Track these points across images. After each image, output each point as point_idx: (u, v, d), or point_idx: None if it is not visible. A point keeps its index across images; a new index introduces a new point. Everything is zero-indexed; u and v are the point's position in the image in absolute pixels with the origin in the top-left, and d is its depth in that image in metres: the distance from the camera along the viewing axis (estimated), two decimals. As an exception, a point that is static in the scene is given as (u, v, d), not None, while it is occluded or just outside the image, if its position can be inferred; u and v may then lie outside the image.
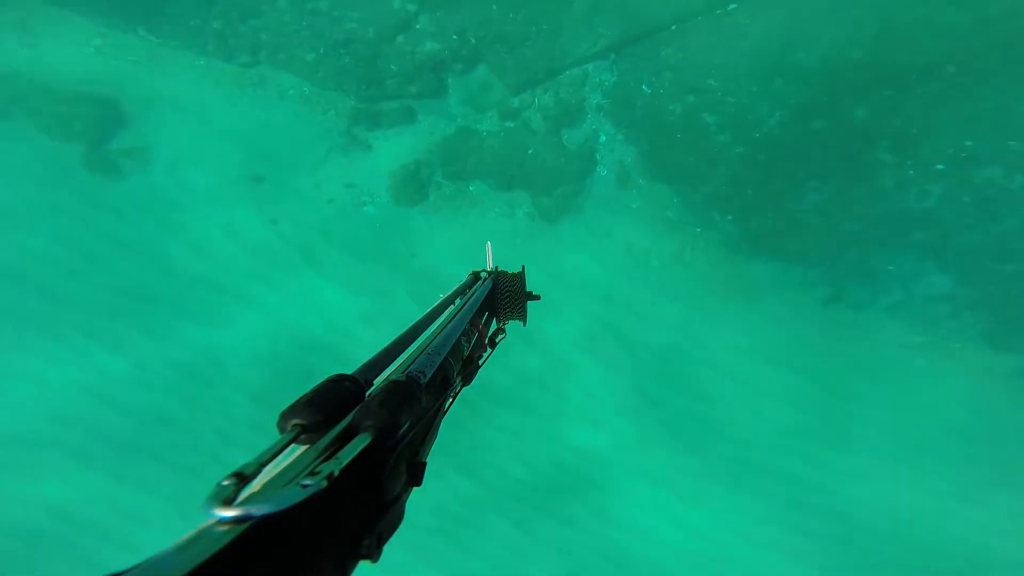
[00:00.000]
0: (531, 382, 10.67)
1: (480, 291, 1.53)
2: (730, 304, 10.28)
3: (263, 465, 0.56)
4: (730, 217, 10.41)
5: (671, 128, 10.72)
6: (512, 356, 10.12)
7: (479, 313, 1.44)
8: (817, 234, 9.93)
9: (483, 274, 1.77)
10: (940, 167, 9.65)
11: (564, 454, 10.65)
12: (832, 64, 10.23)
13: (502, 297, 1.72)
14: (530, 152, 10.63)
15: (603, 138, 11.10)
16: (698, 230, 10.73)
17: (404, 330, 1.06)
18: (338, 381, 0.75)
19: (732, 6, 10.69)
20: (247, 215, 9.19)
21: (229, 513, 0.47)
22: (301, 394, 0.71)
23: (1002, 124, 9.39)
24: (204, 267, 9.07)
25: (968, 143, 9.59)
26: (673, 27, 10.95)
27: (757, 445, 10.03)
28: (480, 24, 10.80)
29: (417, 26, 10.58)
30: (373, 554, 0.62)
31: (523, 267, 1.86)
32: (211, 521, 0.47)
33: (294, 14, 10.04)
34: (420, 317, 1.17)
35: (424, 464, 0.79)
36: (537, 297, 1.77)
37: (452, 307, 1.38)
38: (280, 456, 0.60)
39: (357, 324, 9.44)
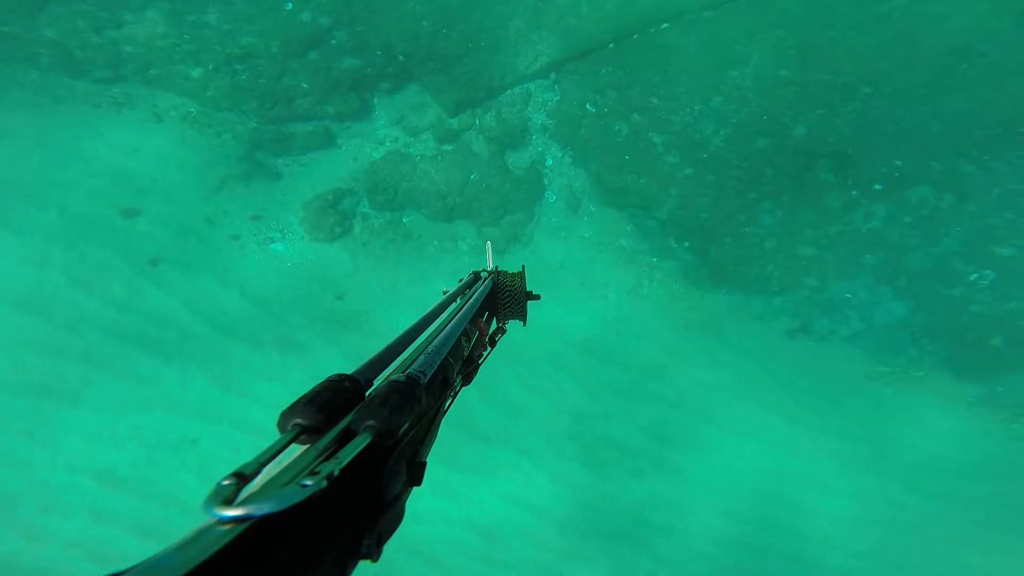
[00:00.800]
0: (478, 438, 9.34)
1: (480, 290, 1.51)
2: (694, 339, 9.66)
3: (263, 465, 0.55)
4: (687, 244, 9.93)
5: (618, 149, 10.19)
6: (463, 407, 8.78)
7: (479, 312, 1.43)
8: (775, 260, 9.66)
9: (483, 274, 1.73)
10: (878, 187, 9.83)
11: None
12: (765, 82, 10.42)
13: (502, 296, 1.71)
14: (473, 177, 9.58)
15: (550, 161, 10.33)
16: (654, 259, 10.13)
17: (404, 330, 1.03)
18: (338, 381, 0.74)
19: (664, 25, 10.63)
20: (112, 256, 7.13)
21: (229, 513, 0.46)
22: (301, 395, 0.70)
23: (920, 144, 9.82)
24: (40, 327, 6.77)
25: (898, 163, 9.91)
26: (611, 45, 10.65)
27: (737, 491, 9.33)
28: (408, 40, 9.75)
29: (333, 41, 9.32)
30: (373, 554, 0.62)
31: (523, 267, 1.87)
32: (211, 521, 0.47)
33: (171, 26, 8.37)
34: (420, 317, 1.15)
35: (424, 464, 0.78)
36: (537, 297, 1.80)
37: (452, 307, 1.33)
38: (280, 456, 0.59)
39: (257, 381, 7.54)
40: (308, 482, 0.52)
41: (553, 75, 10.57)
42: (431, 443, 0.86)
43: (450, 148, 9.79)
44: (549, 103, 10.50)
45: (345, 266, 8.32)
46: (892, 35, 10.50)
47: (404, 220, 9.14)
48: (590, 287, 9.97)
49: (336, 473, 0.55)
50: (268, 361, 7.24)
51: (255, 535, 0.46)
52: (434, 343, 0.98)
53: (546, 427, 9.31)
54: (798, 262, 9.60)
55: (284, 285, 7.83)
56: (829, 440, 9.21)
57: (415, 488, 0.77)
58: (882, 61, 10.59)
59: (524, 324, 1.83)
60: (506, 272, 1.80)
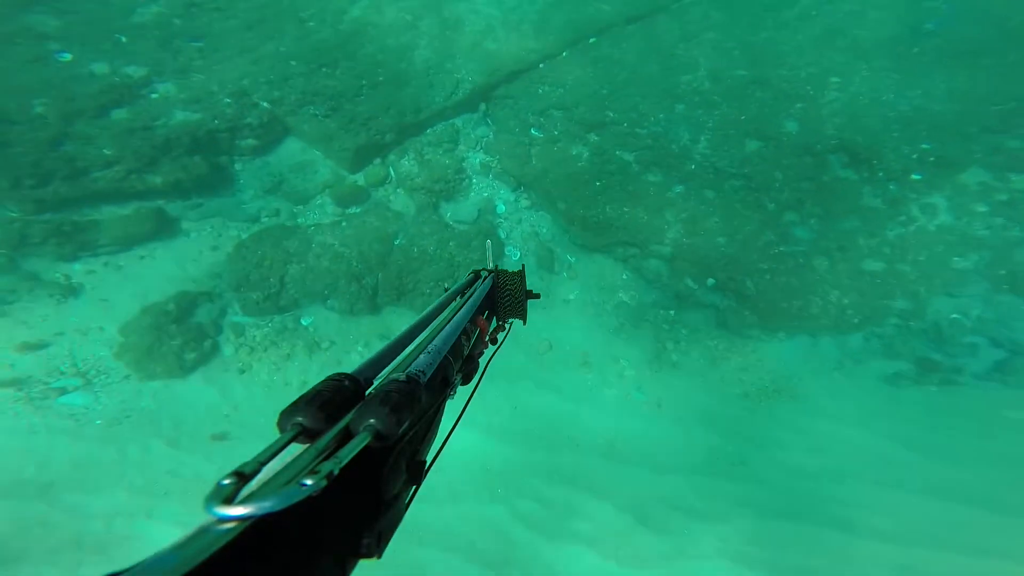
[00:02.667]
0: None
1: (480, 290, 1.56)
2: (764, 410, 7.12)
3: (263, 464, 0.56)
4: (711, 281, 7.79)
5: (584, 176, 8.26)
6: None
7: (479, 311, 1.49)
8: (837, 283, 7.65)
9: (483, 273, 1.79)
10: (917, 176, 8.46)
11: None
12: (724, 83, 9.92)
13: (502, 295, 1.78)
14: (399, 243, 7.08)
15: (502, 207, 8.16)
16: (671, 311, 7.87)
17: (404, 329, 1.06)
18: (338, 380, 0.76)
19: (592, 40, 9.70)
20: None
21: (229, 512, 0.47)
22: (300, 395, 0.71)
23: (937, 126, 8.98)
24: None
25: (924, 146, 8.75)
26: (541, 65, 9.30)
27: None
28: (271, 84, 7.63)
29: (154, 95, 6.96)
30: (373, 552, 0.65)
31: (523, 266, 1.96)
32: (211, 520, 0.48)
33: None
34: (420, 316, 1.18)
35: (424, 463, 0.83)
36: (537, 296, 1.88)
37: (452, 305, 1.36)
38: (280, 455, 0.60)
39: None
40: (308, 481, 0.52)
41: (482, 106, 8.80)
42: (431, 442, 0.89)
43: (357, 211, 7.36)
44: (485, 138, 8.59)
45: (213, 408, 5.25)
46: (822, 30, 10.24)
47: (303, 322, 6.33)
48: (597, 367, 7.40)
49: (336, 472, 0.56)
50: None
51: (255, 534, 0.47)
52: (434, 342, 0.99)
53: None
54: (868, 281, 7.63)
55: (79, 452, 4.59)
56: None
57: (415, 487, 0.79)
58: (831, 52, 10.54)
59: (524, 323, 1.88)
60: (506, 271, 1.84)
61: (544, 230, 8.21)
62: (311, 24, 8.64)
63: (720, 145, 8.93)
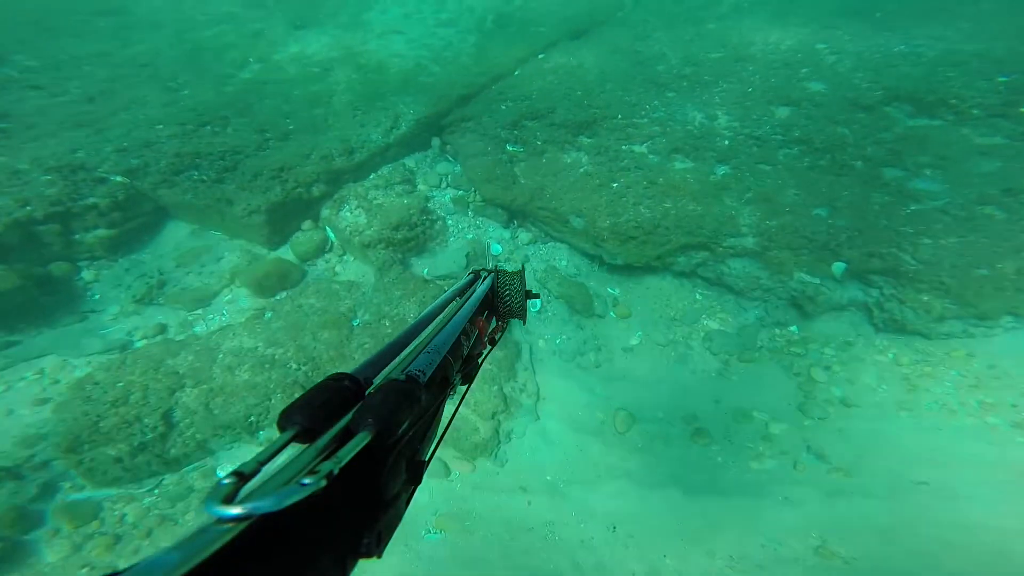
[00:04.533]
0: None
1: (480, 290, 1.61)
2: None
3: (262, 464, 0.57)
4: (841, 266, 5.63)
5: (595, 182, 6.41)
6: None
7: (479, 311, 1.53)
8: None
9: (483, 273, 1.83)
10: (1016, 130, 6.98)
11: None
12: (704, 65, 8.67)
13: (502, 295, 1.82)
14: (360, 322, 4.79)
15: (497, 248, 6.12)
16: (792, 328, 5.68)
17: (404, 329, 1.09)
18: (338, 380, 0.79)
19: (541, 55, 9.05)
20: None
21: (228, 511, 0.48)
22: (300, 394, 0.73)
23: (982, 64, 7.91)
24: None
25: (1002, 79, 7.45)
26: (493, 87, 7.99)
27: None
28: (126, 152, 5.73)
29: None
30: (373, 552, 0.67)
31: (523, 266, 2.10)
32: (210, 520, 0.48)
33: None
34: (420, 316, 1.21)
35: (424, 462, 0.84)
36: (536, 296, 1.90)
37: (452, 305, 1.41)
38: (279, 455, 0.62)
39: None
40: (308, 481, 0.54)
41: (435, 141, 7.14)
42: (431, 442, 0.93)
43: (287, 295, 5.13)
44: (449, 174, 6.80)
45: None
46: (768, 13, 10.21)
47: (220, 474, 3.81)
48: (718, 433, 4.93)
49: (336, 472, 0.57)
50: None
51: (255, 534, 0.48)
52: (434, 342, 1.04)
53: None
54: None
55: None
56: None
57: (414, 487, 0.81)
58: (795, 28, 9.77)
59: (524, 323, 2.01)
60: (505, 271, 1.87)
61: (563, 263, 6.16)
62: (185, 92, 7.03)
63: (745, 116, 7.50)
